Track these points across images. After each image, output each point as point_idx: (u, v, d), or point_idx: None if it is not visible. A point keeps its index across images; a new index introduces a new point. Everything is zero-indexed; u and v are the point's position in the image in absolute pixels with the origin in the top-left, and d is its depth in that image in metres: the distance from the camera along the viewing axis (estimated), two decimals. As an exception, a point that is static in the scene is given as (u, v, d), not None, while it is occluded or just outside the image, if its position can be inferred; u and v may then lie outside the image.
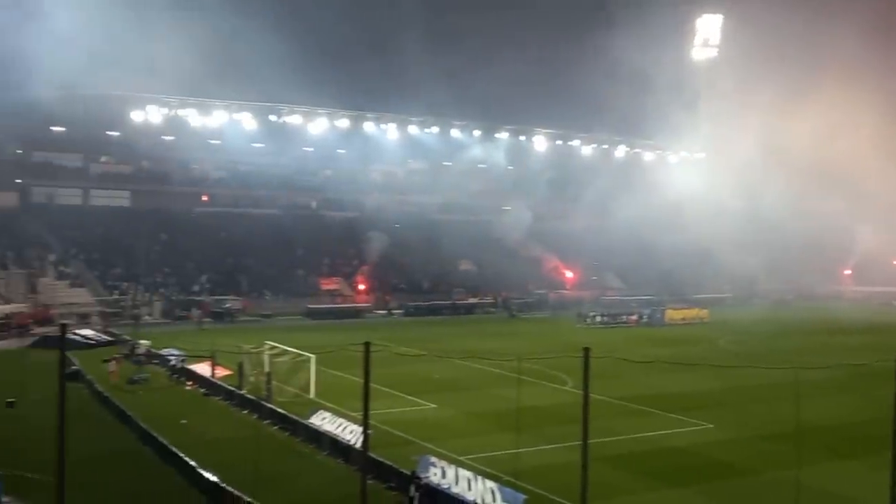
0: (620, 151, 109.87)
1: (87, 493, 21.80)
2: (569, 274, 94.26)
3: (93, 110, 78.70)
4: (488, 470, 23.93)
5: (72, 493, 17.64)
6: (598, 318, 72.42)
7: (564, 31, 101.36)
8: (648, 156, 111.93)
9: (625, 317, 74.26)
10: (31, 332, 55.99)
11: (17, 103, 70.88)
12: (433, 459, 23.53)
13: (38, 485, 22.44)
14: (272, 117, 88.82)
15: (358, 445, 23.19)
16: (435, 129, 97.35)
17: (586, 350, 14.27)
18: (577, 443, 14.47)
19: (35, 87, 69.04)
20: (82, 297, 68.07)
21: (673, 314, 75.10)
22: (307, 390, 36.33)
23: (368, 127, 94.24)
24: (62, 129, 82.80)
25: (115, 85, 74.19)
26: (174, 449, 26.47)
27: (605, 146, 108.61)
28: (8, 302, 62.75)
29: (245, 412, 34.08)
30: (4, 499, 24.24)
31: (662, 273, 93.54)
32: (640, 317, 74.41)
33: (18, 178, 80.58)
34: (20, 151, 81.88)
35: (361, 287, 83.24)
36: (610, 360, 28.21)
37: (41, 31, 62.77)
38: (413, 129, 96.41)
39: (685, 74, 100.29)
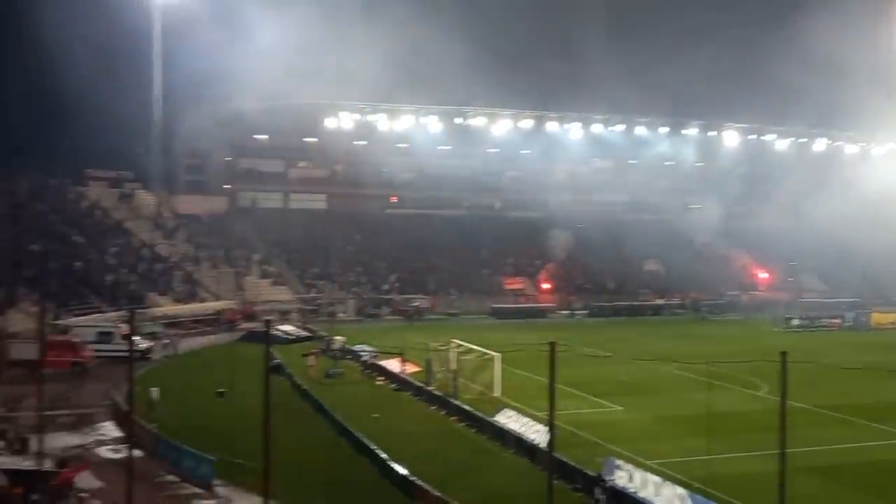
0: (819, 145, 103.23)
1: (290, 478, 23.16)
2: (763, 275, 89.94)
3: (291, 119, 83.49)
4: (677, 476, 23.35)
5: (276, 478, 18.86)
6: (797, 322, 68.64)
7: (756, 19, 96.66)
8: (850, 149, 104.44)
9: (826, 320, 69.96)
10: (239, 327, 60.01)
11: (225, 115, 76.39)
12: (619, 462, 23.25)
13: (246, 469, 24.08)
14: (458, 120, 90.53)
15: (543, 445, 23.29)
16: (620, 127, 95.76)
17: (783, 354, 13.68)
18: (775, 451, 13.89)
19: (241, 99, 74.15)
20: (283, 294, 72.31)
21: (880, 318, 69.98)
22: (492, 388, 36.81)
23: (552, 126, 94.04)
24: (265, 137, 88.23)
25: (311, 94, 78.21)
26: (367, 441, 27.62)
27: (803, 140, 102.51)
28: (218, 299, 67.66)
29: (433, 408, 35.01)
30: (215, 481, 26.21)
31: (864, 274, 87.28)
32: (843, 320, 69.87)
33: (227, 184, 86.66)
34: (229, 159, 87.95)
35: (545, 287, 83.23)
36: (809, 366, 26.75)
37: (245, 48, 67.28)
38: (597, 128, 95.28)
39: (889, 60, 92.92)
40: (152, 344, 47.40)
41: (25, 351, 38.55)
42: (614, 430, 30.82)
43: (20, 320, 46.81)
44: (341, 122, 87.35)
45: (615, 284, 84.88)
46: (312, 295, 72.97)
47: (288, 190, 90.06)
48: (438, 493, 21.31)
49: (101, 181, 76.76)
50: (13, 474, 24.50)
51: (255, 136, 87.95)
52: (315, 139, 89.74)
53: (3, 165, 67.82)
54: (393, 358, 42.83)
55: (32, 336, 37.91)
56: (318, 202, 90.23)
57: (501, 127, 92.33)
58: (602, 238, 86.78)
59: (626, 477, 22.16)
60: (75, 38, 60.84)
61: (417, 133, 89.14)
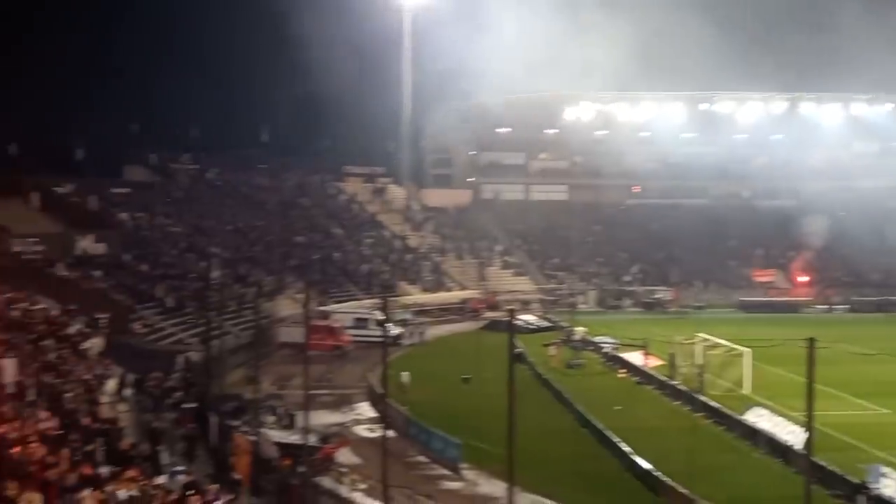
0: None
1: (533, 466, 23.62)
2: None
3: (532, 111, 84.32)
4: (954, 488, 21.27)
5: (519, 465, 19.34)
6: None
7: None
8: None
9: None
10: (482, 316, 61.72)
11: (469, 110, 78.63)
12: (886, 470, 21.55)
13: (491, 455, 24.83)
14: (703, 106, 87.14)
15: (798, 447, 22.10)
16: (886, 107, 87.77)
17: None
18: None
19: (484, 93, 75.97)
20: (524, 285, 73.41)
21: None
22: (741, 385, 35.32)
23: (806, 108, 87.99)
24: (507, 130, 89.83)
25: (552, 86, 78.52)
26: (609, 434, 27.54)
27: None
28: (463, 288, 69.99)
29: (677, 403, 34.20)
30: (462, 464, 27.24)
31: None
32: None
33: (471, 178, 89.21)
34: (473, 153, 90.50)
35: (800, 280, 78.21)
36: None
37: (488, 42, 68.80)
38: (859, 108, 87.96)
39: None
40: (403, 330, 49.89)
41: (292, 334, 42.02)
42: (880, 434, 28.53)
43: (287, 306, 51.07)
44: (582, 112, 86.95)
45: (881, 277, 78.09)
46: (553, 286, 73.43)
47: (529, 182, 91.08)
48: (685, 491, 20.87)
49: (357, 177, 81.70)
50: (283, 447, 26.90)
51: (498, 130, 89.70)
52: (556, 130, 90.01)
53: (274, 164, 74.13)
54: (635, 350, 42.23)
55: (298, 321, 41.21)
56: (558, 193, 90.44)
57: (750, 111, 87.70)
58: (864, 227, 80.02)
59: (894, 486, 20.52)
60: (334, 43, 65.18)
61: (660, 121, 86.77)
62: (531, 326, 55.08)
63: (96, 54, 77.78)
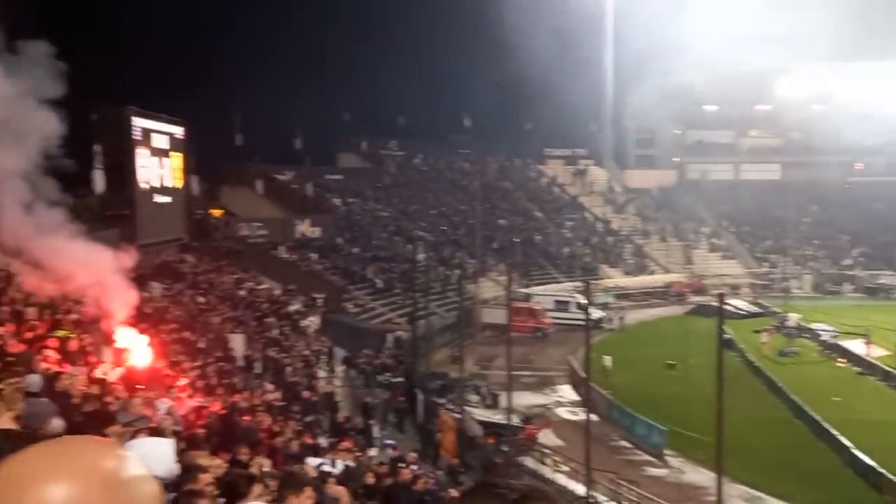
0: None
1: (742, 456, 22.83)
2: None
3: (741, 87, 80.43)
4: None
5: (728, 455, 18.79)
6: None
7: None
8: None
9: None
10: (687, 300, 59.96)
11: (673, 87, 76.18)
12: None
13: (697, 443, 24.26)
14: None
15: None
16: None
17: None
18: None
19: (688, 70, 73.38)
20: (733, 268, 70.46)
21: None
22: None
23: None
24: (714, 107, 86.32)
25: (762, 60, 74.56)
26: (827, 426, 26.09)
27: None
28: (667, 272, 68.25)
29: (904, 396, 31.81)
30: (667, 451, 26.78)
31: None
32: None
33: (676, 157, 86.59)
34: (677, 132, 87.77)
35: None
36: None
37: (692, 17, 66.37)
38: None
39: None
40: (604, 314, 49.47)
41: (495, 315, 42.82)
42: None
43: (489, 288, 52.03)
44: (796, 86, 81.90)
45: None
46: (764, 269, 69.97)
47: (738, 161, 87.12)
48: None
49: (557, 159, 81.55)
50: (486, 426, 27.59)
51: (704, 107, 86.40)
52: (767, 106, 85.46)
53: (476, 149, 75.49)
54: (856, 339, 39.52)
55: (501, 302, 41.92)
56: (770, 172, 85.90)
57: None
58: None
59: None
60: (534, 25, 65.30)
61: (883, 92, 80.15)
62: (741, 312, 52.86)
63: (311, 49, 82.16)
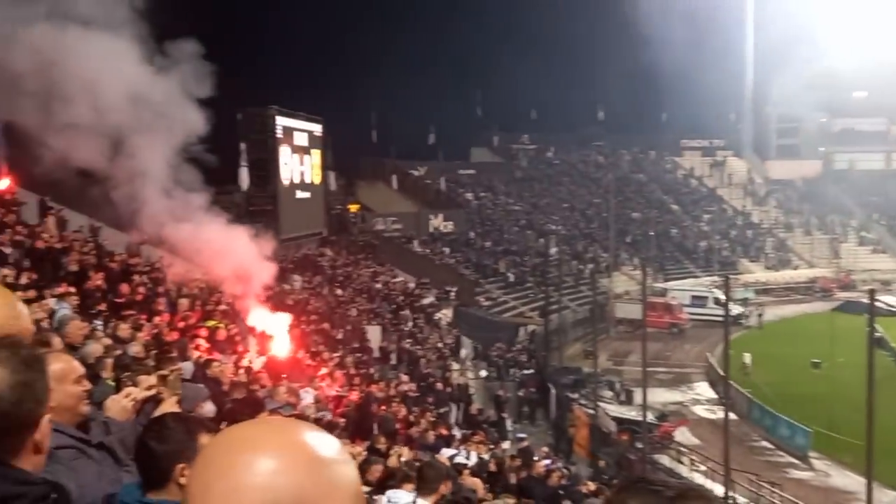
0: None
1: (893, 460, 21.63)
2: None
3: (893, 72, 75.80)
4: None
5: (879, 458, 17.85)
6: None
7: None
8: None
9: None
10: (834, 296, 57.14)
11: (818, 74, 72.59)
12: None
13: (844, 445, 23.17)
14: None
15: None
16: None
17: None
18: None
19: (835, 56, 69.80)
20: (884, 263, 66.59)
21: None
22: None
23: None
24: (863, 93, 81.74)
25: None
26: None
27: None
28: (811, 266, 65.24)
29: None
30: (811, 453, 25.69)
31: None
32: None
33: (821, 146, 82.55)
34: (823, 120, 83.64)
35: None
36: None
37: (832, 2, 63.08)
38: None
39: None
40: (744, 310, 47.81)
41: (629, 310, 42.14)
42: None
43: (622, 282, 51.23)
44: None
45: None
46: (921, 264, 65.87)
47: (889, 150, 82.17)
48: None
49: (694, 150, 79.24)
50: (620, 422, 27.21)
51: (853, 94, 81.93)
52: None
53: (610, 141, 74.34)
54: None
55: (635, 297, 41.19)
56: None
57: None
58: None
59: None
60: (670, 11, 63.59)
61: None
62: (893, 309, 49.93)
63: (445, 45, 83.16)
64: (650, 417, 26.71)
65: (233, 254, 17.21)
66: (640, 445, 24.62)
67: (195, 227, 16.52)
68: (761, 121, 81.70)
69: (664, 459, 25.49)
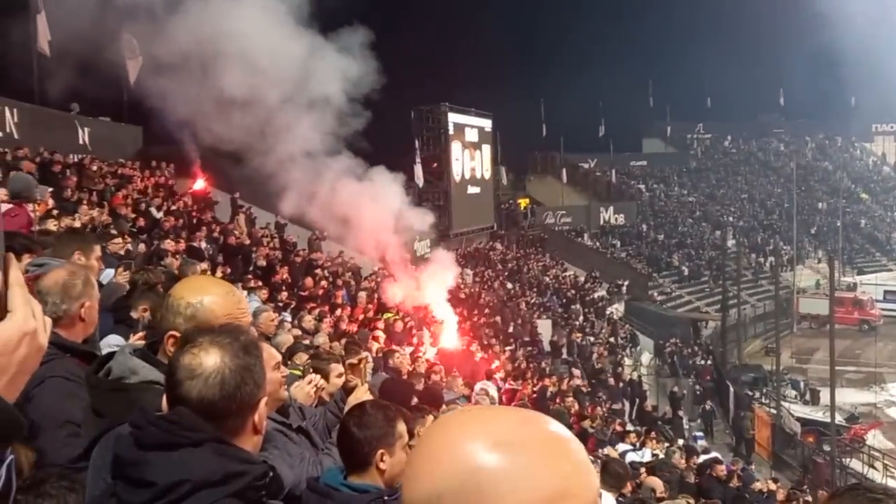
0: None
1: None
2: None
3: None
4: None
5: None
6: None
7: None
8: None
9: None
10: None
11: None
12: None
13: None
14: None
15: None
16: None
17: None
18: None
19: None
20: None
21: None
22: None
23: None
24: None
25: None
26: None
27: None
28: None
29: None
30: None
31: None
32: None
33: None
34: None
35: None
36: None
37: None
38: None
39: None
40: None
41: (815, 306, 39.97)
42: None
43: (807, 276, 48.61)
44: None
45: None
46: None
47: None
48: None
49: (887, 135, 73.92)
50: (805, 423, 25.85)
51: None
52: None
53: (792, 127, 70.62)
54: None
55: (821, 291, 39.00)
56: None
57: None
58: None
59: None
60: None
61: None
62: None
63: (614, 35, 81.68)
64: (838, 419, 25.22)
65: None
66: (827, 448, 23.28)
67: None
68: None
69: (855, 464, 23.99)
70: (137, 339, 3.76)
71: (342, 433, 3.05)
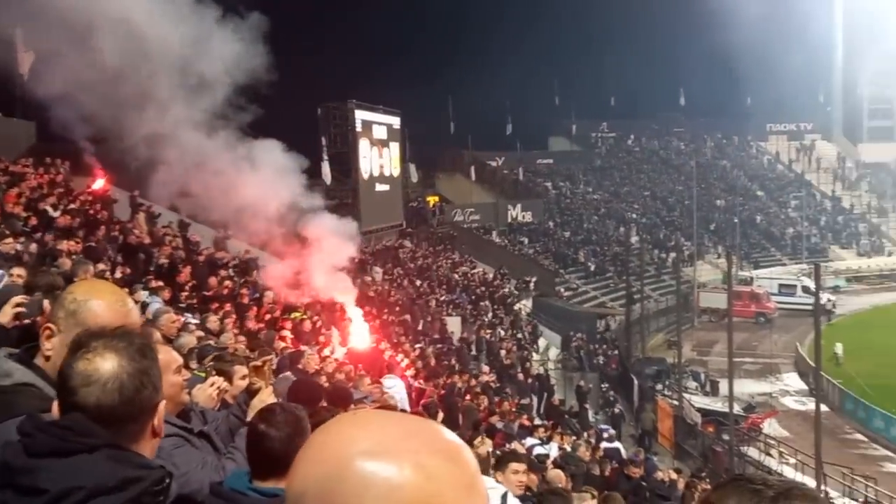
0: None
1: None
2: None
3: None
4: None
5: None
6: None
7: None
8: None
9: None
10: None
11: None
12: None
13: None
14: None
15: None
16: None
17: None
18: None
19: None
20: None
21: None
22: None
23: None
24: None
25: None
26: None
27: None
28: (906, 253, 62.87)
29: None
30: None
31: None
32: None
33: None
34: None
35: None
36: None
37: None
38: None
39: None
40: (835, 298, 46.35)
41: (714, 300, 41.33)
42: None
43: (706, 271, 50.26)
44: None
45: None
46: None
47: None
48: None
49: (781, 134, 77.01)
50: (705, 413, 26.75)
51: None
52: None
53: (692, 127, 72.74)
54: None
55: (720, 286, 40.37)
56: None
57: None
58: None
59: None
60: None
61: None
62: None
63: (520, 35, 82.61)
64: (737, 409, 26.20)
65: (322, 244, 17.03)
66: (726, 437, 24.16)
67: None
68: (852, 102, 78.84)
69: (752, 452, 24.97)
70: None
71: (252, 436, 2.99)
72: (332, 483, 1.01)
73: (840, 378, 30.33)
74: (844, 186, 71.46)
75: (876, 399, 27.65)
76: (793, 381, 33.78)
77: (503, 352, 28.03)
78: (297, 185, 16.15)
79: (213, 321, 11.11)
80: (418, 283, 32.38)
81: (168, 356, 3.27)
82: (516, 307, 36.64)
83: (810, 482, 20.44)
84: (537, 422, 19.12)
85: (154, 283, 12.69)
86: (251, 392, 4.19)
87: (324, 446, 1.05)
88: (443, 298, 31.84)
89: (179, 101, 14.33)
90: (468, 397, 17.00)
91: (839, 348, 33.55)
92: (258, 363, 4.34)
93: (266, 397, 3.97)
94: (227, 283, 16.03)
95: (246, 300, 15.40)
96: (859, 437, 26.81)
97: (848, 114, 77.95)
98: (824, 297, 45.02)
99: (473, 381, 19.92)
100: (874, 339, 37.26)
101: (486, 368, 23.93)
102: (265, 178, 15.36)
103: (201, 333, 9.14)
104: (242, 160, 15.28)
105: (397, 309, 25.65)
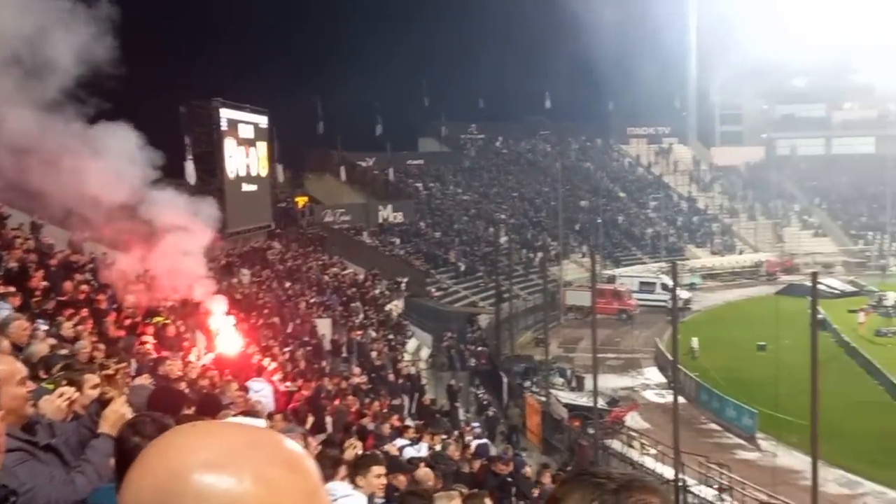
0: None
1: (838, 439, 22.20)
2: None
3: (832, 58, 77.42)
4: None
5: (823, 438, 18.29)
6: None
7: None
8: None
9: None
10: (778, 280, 58.38)
11: (759, 61, 73.78)
12: None
13: (790, 426, 23.71)
14: None
15: None
16: None
17: None
18: None
19: (775, 43, 71.00)
20: (826, 246, 68.25)
21: None
22: None
23: None
24: (803, 81, 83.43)
25: (853, 29, 71.55)
26: (927, 408, 25.15)
27: None
28: (756, 251, 66.55)
29: None
30: (758, 434, 26.25)
31: None
32: None
33: (763, 133, 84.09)
34: (765, 107, 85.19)
35: None
36: None
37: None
38: None
39: None
40: (691, 295, 48.57)
41: (579, 298, 42.53)
42: None
43: (572, 270, 51.67)
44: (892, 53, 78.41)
45: None
46: (859, 247, 67.57)
47: (830, 135, 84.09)
48: None
49: (640, 138, 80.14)
50: (572, 409, 27.48)
51: (794, 81, 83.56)
52: (861, 77, 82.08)
53: (557, 130, 74.67)
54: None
55: (584, 284, 41.56)
56: (864, 146, 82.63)
57: None
58: None
59: None
60: (613, 1, 64.00)
61: None
62: (835, 291, 51.14)
63: (389, 35, 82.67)
64: (601, 403, 27.03)
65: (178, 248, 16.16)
66: (591, 431, 24.88)
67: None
68: (705, 108, 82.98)
69: (615, 444, 25.81)
70: None
71: (123, 448, 2.81)
72: (170, 496, 0.96)
73: (696, 371, 31.80)
74: (699, 188, 75.10)
75: (728, 390, 29.14)
76: (653, 374, 35.16)
77: (374, 353, 27.93)
78: (147, 171, 14.94)
79: (67, 328, 10.56)
80: (287, 284, 31.87)
81: (10, 367, 3.07)
82: (387, 308, 36.61)
83: (669, 471, 21.36)
84: (408, 422, 19.13)
85: (2, 289, 11.94)
86: (103, 402, 3.98)
87: (160, 458, 1.00)
88: (313, 300, 31.45)
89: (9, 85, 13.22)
90: (338, 400, 16.85)
91: (695, 342, 35.17)
92: (110, 372, 4.13)
93: (119, 407, 3.78)
94: (84, 287, 15.27)
95: (104, 305, 14.72)
96: (714, 426, 28.17)
97: (701, 119, 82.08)
98: (687, 293, 47.37)
99: (344, 383, 19.75)
100: (727, 334, 39.27)
101: (357, 370, 23.77)
102: (108, 165, 14.32)
103: (54, 341, 8.66)
104: (83, 146, 14.16)
105: (266, 311, 25.14)
